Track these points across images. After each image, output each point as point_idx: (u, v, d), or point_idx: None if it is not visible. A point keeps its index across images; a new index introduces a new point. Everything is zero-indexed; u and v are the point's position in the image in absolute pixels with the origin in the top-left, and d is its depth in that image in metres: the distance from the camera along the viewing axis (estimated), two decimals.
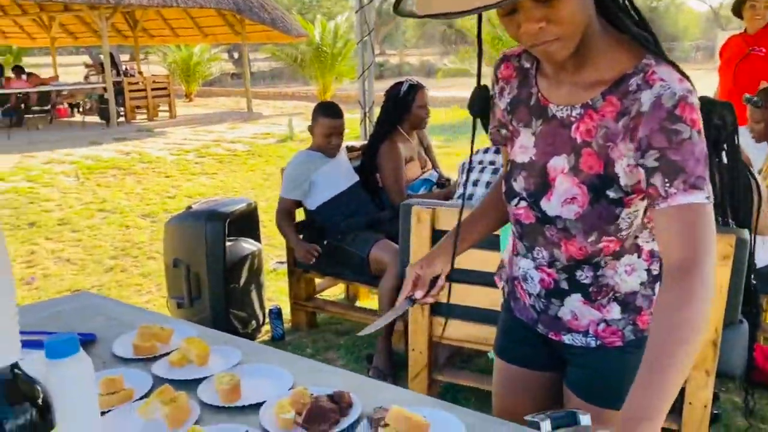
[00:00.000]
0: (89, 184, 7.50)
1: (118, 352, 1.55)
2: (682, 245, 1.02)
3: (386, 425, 1.23)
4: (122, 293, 4.12)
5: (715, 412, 2.65)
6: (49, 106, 13.07)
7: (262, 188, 7.08)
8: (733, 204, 2.46)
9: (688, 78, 1.09)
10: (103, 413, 1.22)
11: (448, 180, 3.58)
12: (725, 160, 2.42)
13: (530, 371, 1.45)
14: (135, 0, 11.66)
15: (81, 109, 13.35)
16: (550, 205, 1.21)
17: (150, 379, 1.42)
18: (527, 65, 1.27)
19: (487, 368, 3.08)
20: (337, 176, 3.29)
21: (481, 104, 1.90)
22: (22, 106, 12.67)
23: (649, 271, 1.24)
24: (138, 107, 13.34)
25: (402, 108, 3.39)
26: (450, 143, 9.31)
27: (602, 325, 1.28)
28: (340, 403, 1.31)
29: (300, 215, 3.50)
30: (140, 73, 15.31)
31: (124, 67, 15.08)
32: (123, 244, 5.18)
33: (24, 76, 13.06)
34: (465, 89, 15.39)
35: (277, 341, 3.41)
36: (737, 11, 4.21)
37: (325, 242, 3.29)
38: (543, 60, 1.17)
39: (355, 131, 5.41)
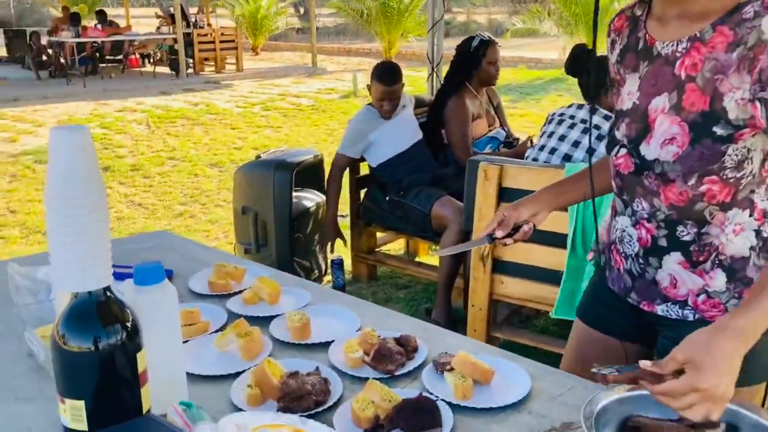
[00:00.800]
0: (159, 132, 7.73)
1: (194, 287, 1.62)
2: None
3: (451, 369, 1.25)
4: (191, 237, 4.28)
5: None
6: (121, 56, 13.44)
7: (325, 143, 7.15)
8: None
9: None
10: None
11: (517, 139, 3.53)
12: None
13: (613, 339, 1.37)
14: None
15: (152, 60, 13.67)
16: (649, 149, 1.15)
17: (225, 314, 1.48)
18: (638, 12, 1.25)
19: (546, 329, 3.08)
20: (398, 135, 3.29)
21: (574, 62, 1.90)
22: (97, 54, 13.08)
23: (759, 233, 1.14)
24: (206, 59, 13.56)
25: (472, 63, 3.34)
26: (516, 104, 9.13)
27: (702, 296, 1.18)
28: (406, 346, 1.35)
29: (364, 168, 3.53)
30: (209, 25, 15.51)
31: (193, 19, 15.29)
32: (192, 191, 5.36)
33: (99, 26, 13.43)
34: (534, 50, 14.94)
35: (339, 290, 3.49)
36: None
37: (387, 198, 3.31)
38: None
39: (421, 88, 5.37)
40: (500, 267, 2.66)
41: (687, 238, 1.17)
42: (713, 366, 0.90)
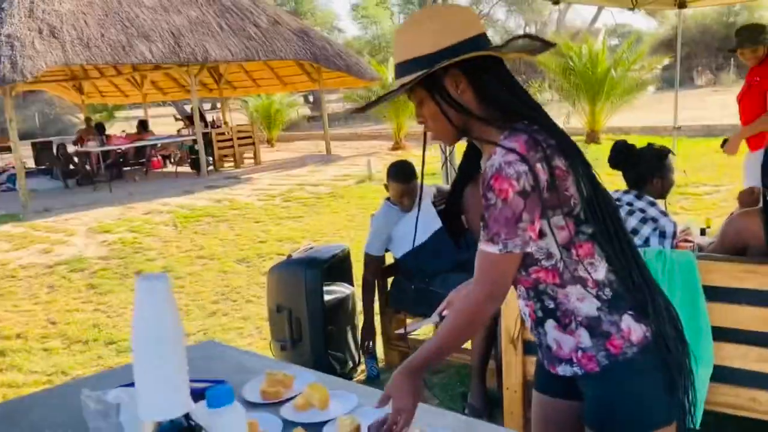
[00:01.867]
0: (186, 232, 7.99)
1: (248, 397, 1.74)
2: (475, 275, 1.43)
3: None
4: (226, 336, 4.40)
5: None
6: (144, 159, 14.00)
7: (347, 229, 7.34)
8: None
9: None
10: None
11: None
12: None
13: (559, 400, 1.57)
14: (221, 57, 12.40)
15: (173, 160, 14.20)
16: None
17: (280, 422, 1.59)
18: None
19: None
20: (418, 228, 3.44)
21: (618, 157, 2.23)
22: (121, 160, 13.65)
23: (599, 297, 1.40)
24: (225, 156, 14.07)
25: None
26: None
27: (579, 353, 1.42)
28: None
29: (389, 257, 3.68)
30: (225, 123, 16.16)
31: (210, 118, 15.96)
32: (222, 289, 5.52)
33: (128, 133, 14.03)
34: None
35: (373, 380, 3.56)
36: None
37: (413, 286, 3.44)
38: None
39: (432, 169, 5.56)
40: (531, 348, 2.74)
41: (551, 306, 1.44)
42: (399, 388, 1.41)
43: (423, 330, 4.06)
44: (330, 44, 13.91)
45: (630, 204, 2.79)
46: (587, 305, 1.40)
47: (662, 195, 2.88)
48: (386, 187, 3.52)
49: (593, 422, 1.45)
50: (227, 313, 4.92)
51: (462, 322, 1.40)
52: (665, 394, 1.39)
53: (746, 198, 3.48)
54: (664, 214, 2.74)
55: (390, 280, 3.72)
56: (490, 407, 3.11)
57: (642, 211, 2.75)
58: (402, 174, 3.44)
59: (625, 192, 2.87)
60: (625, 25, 29.57)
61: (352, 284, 3.75)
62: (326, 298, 3.42)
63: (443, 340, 1.41)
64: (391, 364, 3.75)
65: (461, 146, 3.79)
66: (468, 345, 3.93)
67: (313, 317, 3.36)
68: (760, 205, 2.54)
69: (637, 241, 2.69)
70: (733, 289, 2.39)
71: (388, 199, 3.55)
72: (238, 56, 12.57)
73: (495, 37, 29.57)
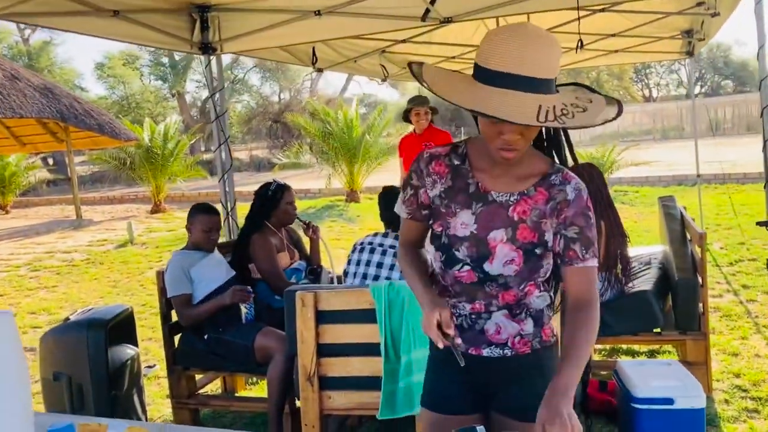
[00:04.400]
0: None
1: None
2: (588, 290, 1.59)
3: None
4: None
5: None
6: None
7: (111, 295, 6.89)
8: None
9: None
10: None
11: (320, 266, 3.92)
12: None
13: (460, 416, 1.72)
14: None
15: None
16: (492, 267, 1.62)
17: None
18: (457, 162, 1.67)
19: (374, 429, 3.37)
20: (216, 270, 3.50)
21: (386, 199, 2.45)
22: None
23: (550, 297, 1.72)
24: None
25: (271, 205, 3.73)
26: None
27: (518, 338, 1.68)
28: None
29: (174, 316, 3.62)
30: None
31: None
32: None
33: None
34: (301, 181, 15.93)
35: None
36: (406, 118, 5.96)
37: (206, 336, 3.45)
38: (498, 158, 1.55)
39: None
40: (326, 383, 2.94)
41: (513, 302, 1.67)
42: (565, 418, 1.37)
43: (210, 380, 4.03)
44: (78, 102, 13.05)
45: (381, 245, 3.19)
46: (541, 301, 1.70)
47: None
48: (188, 229, 3.52)
49: (514, 405, 1.67)
50: None
51: (593, 334, 1.55)
52: None
53: None
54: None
55: (177, 338, 3.66)
56: None
57: (392, 247, 3.16)
58: (208, 207, 3.56)
59: (374, 235, 3.27)
60: (371, 95, 32.38)
61: (136, 345, 3.61)
62: (110, 360, 3.26)
63: (584, 357, 1.49)
64: (183, 423, 3.65)
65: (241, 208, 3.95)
66: (256, 393, 4.01)
67: (96, 382, 3.18)
68: None
69: (396, 273, 3.08)
70: None
71: (176, 251, 3.55)
72: None
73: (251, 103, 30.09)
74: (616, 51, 6.42)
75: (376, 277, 3.10)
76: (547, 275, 1.69)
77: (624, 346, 4.27)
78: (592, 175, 3.68)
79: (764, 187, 3.69)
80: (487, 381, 1.72)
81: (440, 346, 1.53)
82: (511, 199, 1.62)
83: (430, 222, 1.71)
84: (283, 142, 23.58)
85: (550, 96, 1.42)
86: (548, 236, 1.62)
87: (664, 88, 35.95)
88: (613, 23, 5.39)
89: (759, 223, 3.67)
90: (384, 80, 6.55)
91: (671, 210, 4.11)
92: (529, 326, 1.69)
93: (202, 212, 3.51)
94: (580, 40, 3.94)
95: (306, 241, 4.08)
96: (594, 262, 1.59)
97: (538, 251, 1.62)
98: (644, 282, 3.86)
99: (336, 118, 13.54)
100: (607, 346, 4.32)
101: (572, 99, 1.45)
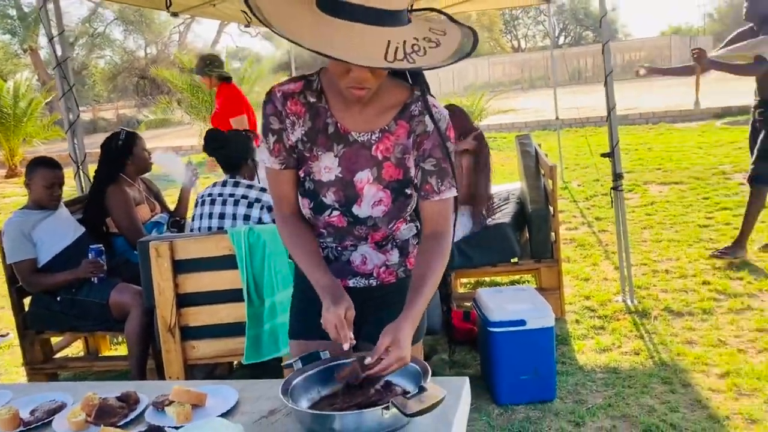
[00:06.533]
0: None
1: None
2: (443, 222, 1.57)
3: (170, 402, 1.48)
4: None
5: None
6: None
7: None
8: None
9: None
10: None
11: (184, 218, 3.76)
12: None
13: (328, 341, 1.56)
14: None
15: None
16: (361, 210, 1.57)
17: None
18: (313, 100, 1.55)
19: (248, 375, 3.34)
20: (62, 229, 3.27)
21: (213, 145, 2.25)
22: None
23: (416, 227, 1.70)
24: None
25: (125, 154, 3.52)
26: (166, 190, 9.25)
27: (383, 268, 1.67)
28: (127, 401, 1.52)
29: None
30: None
31: None
32: None
33: None
34: (171, 139, 15.24)
35: None
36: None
37: (59, 298, 3.24)
38: (349, 96, 1.46)
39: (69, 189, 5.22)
40: (189, 333, 2.86)
41: (379, 234, 1.63)
42: (405, 342, 1.39)
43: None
44: None
45: (232, 195, 3.06)
46: (408, 232, 1.68)
47: (253, 176, 3.23)
48: (28, 186, 3.25)
49: (379, 333, 1.47)
50: None
51: (442, 266, 1.53)
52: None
53: None
54: (264, 190, 3.08)
55: (27, 301, 3.42)
56: None
57: (245, 197, 3.06)
58: (51, 161, 3.30)
59: (223, 184, 3.10)
60: (244, 48, 31.23)
61: None
62: None
63: (432, 287, 1.50)
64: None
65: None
66: (119, 352, 3.86)
67: None
68: None
69: (254, 222, 3.01)
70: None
71: (17, 210, 3.28)
72: None
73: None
74: None
75: (220, 229, 3.00)
76: (414, 207, 1.65)
77: (487, 279, 4.49)
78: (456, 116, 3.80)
79: (605, 120, 3.94)
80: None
81: (346, 347, 1.44)
82: (373, 137, 1.55)
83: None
84: (153, 100, 22.37)
85: (401, 29, 1.31)
86: (413, 172, 1.58)
87: (531, 40, 37.43)
88: None
89: (603, 155, 3.93)
90: (247, 26, 6.32)
91: (527, 147, 4.30)
92: (395, 256, 1.68)
93: (41, 166, 3.25)
94: None
95: (170, 197, 3.91)
96: (450, 194, 1.57)
97: (407, 191, 1.58)
98: (503, 216, 4.04)
99: None
100: (472, 280, 4.52)
101: (425, 31, 1.35)
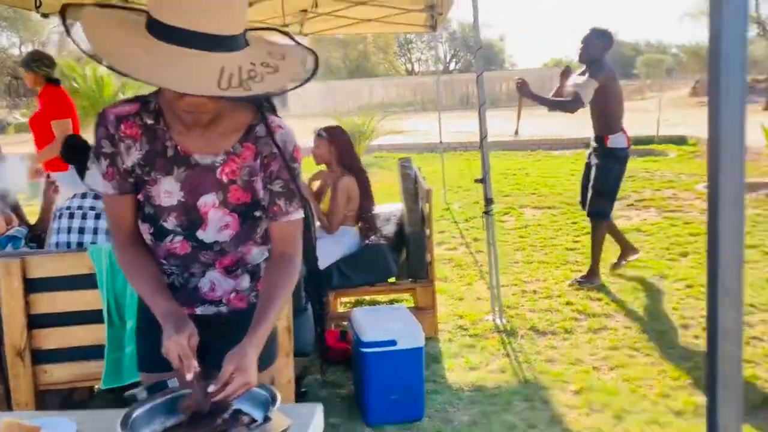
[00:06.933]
0: None
1: None
2: (292, 244, 1.57)
3: None
4: None
5: (303, 390, 3.26)
6: None
7: None
8: None
9: None
10: None
11: (44, 233, 3.51)
12: None
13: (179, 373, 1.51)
14: None
15: None
16: (206, 235, 1.53)
17: None
18: (151, 122, 1.48)
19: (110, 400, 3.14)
20: None
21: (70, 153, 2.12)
22: None
23: (269, 250, 1.63)
24: None
25: None
26: (30, 201, 8.65)
27: (233, 294, 1.62)
28: None
29: None
30: None
31: None
32: None
33: None
34: None
35: None
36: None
37: None
38: (187, 120, 1.44)
39: None
40: (42, 356, 2.68)
41: (228, 258, 1.59)
42: (250, 367, 1.37)
43: None
44: None
45: (93, 208, 2.95)
46: (259, 255, 1.62)
47: None
48: None
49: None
50: None
51: (290, 288, 1.53)
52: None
53: None
54: None
55: None
56: None
57: (92, 208, 2.94)
58: None
59: (83, 196, 2.98)
60: None
61: None
62: None
63: (277, 311, 1.48)
64: None
65: None
66: None
67: None
68: None
69: (102, 236, 2.89)
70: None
71: None
72: None
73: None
74: (369, 20, 6.68)
75: (80, 245, 2.86)
76: (265, 230, 1.62)
77: (367, 298, 4.53)
78: (339, 137, 3.87)
79: (479, 148, 4.12)
80: (202, 340, 1.57)
81: (189, 377, 1.36)
82: (217, 160, 1.50)
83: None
84: (26, 101, 20.96)
85: (237, 54, 1.27)
86: (262, 194, 1.54)
87: (424, 63, 38.57)
88: None
89: (476, 180, 4.10)
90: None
91: (407, 170, 4.40)
92: (245, 282, 1.64)
93: None
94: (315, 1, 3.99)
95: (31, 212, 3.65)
96: (298, 215, 1.55)
97: (256, 213, 1.55)
98: (383, 236, 4.11)
99: (84, 75, 12.33)
100: (352, 299, 4.55)
101: (263, 56, 1.31)
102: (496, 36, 41.39)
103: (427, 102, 25.98)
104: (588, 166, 4.84)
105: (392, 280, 3.97)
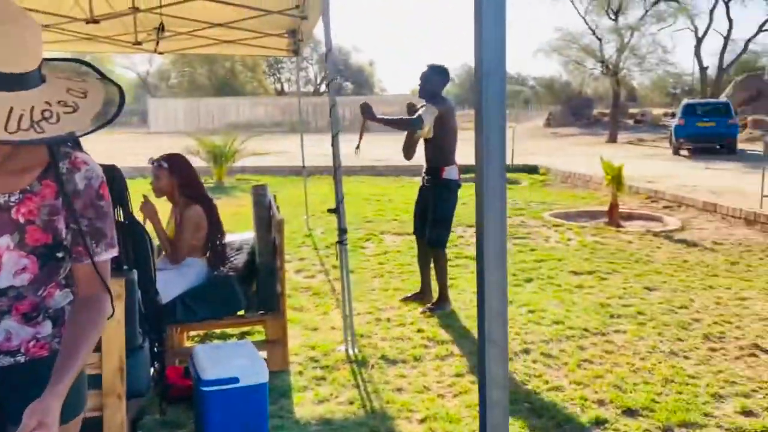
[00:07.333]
0: None
1: None
2: (99, 286, 1.48)
3: None
4: None
5: None
6: None
7: None
8: (127, 250, 2.97)
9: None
10: None
11: None
12: (122, 216, 2.93)
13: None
14: None
15: None
16: (0, 280, 1.38)
17: None
18: None
19: None
20: None
21: None
22: None
23: (73, 292, 1.52)
24: None
25: None
26: None
27: (33, 342, 1.49)
28: None
29: None
30: None
31: None
32: None
33: None
34: None
35: None
36: None
37: None
38: None
39: None
40: None
41: (25, 304, 1.46)
42: (52, 420, 1.26)
43: None
44: None
45: None
46: (62, 299, 1.51)
47: None
48: None
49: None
50: None
51: (97, 333, 1.43)
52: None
53: None
54: None
55: None
56: None
57: None
58: None
59: None
60: None
61: None
62: None
63: (83, 358, 1.38)
64: None
65: None
66: None
67: None
68: None
69: None
70: None
71: None
72: None
73: None
74: (229, 42, 6.57)
75: None
76: (69, 271, 1.52)
77: (218, 331, 4.38)
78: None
79: (333, 176, 4.14)
80: None
81: None
82: (12, 199, 1.39)
83: None
84: None
85: (30, 93, 1.19)
86: (65, 234, 1.44)
87: (294, 84, 38.57)
88: (223, 14, 5.49)
89: (329, 210, 4.11)
90: None
91: (262, 198, 4.33)
92: (47, 328, 1.51)
93: None
94: (162, 23, 3.86)
95: None
96: (107, 255, 1.48)
97: (58, 254, 1.44)
98: (232, 267, 4.00)
99: None
100: (201, 333, 4.38)
101: (61, 93, 1.24)
102: (366, 60, 42.35)
103: (296, 123, 25.91)
104: (422, 195, 5.05)
105: (242, 312, 3.87)
